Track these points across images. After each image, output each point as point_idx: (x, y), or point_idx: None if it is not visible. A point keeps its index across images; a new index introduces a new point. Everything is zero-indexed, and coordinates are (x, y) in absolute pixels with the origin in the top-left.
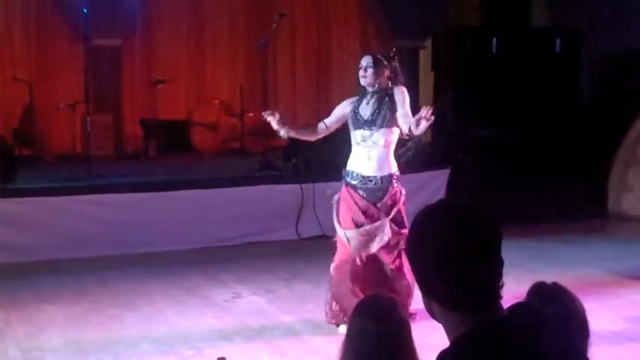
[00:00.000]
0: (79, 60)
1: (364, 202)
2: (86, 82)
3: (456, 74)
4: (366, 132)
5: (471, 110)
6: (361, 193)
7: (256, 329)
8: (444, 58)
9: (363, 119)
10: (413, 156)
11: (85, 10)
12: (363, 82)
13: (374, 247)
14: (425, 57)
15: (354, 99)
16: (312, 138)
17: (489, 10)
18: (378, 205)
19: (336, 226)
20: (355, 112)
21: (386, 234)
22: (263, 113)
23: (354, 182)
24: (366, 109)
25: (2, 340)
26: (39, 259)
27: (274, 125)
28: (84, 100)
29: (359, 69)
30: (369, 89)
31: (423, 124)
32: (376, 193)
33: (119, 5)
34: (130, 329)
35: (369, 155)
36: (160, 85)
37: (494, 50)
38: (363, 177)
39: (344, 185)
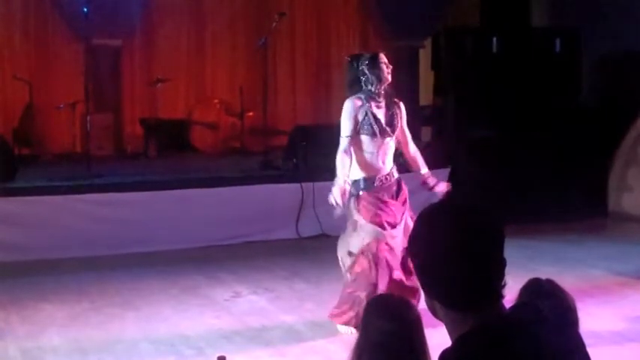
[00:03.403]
0: (79, 59)
1: (389, 201)
2: (86, 81)
3: (456, 74)
4: (388, 139)
5: (471, 110)
6: (381, 193)
7: (256, 329)
8: (443, 58)
9: (384, 127)
10: None
11: (85, 10)
12: (388, 78)
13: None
14: (425, 57)
15: (357, 100)
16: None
17: (489, 10)
18: (397, 200)
19: (369, 226)
20: (374, 116)
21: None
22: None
23: (374, 186)
24: (380, 114)
25: (2, 339)
26: (39, 258)
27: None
28: (84, 99)
29: (384, 64)
30: (378, 89)
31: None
32: (393, 188)
33: (119, 5)
34: (130, 328)
35: (382, 160)
36: (159, 85)
37: (494, 50)
38: (380, 177)
39: (363, 192)
